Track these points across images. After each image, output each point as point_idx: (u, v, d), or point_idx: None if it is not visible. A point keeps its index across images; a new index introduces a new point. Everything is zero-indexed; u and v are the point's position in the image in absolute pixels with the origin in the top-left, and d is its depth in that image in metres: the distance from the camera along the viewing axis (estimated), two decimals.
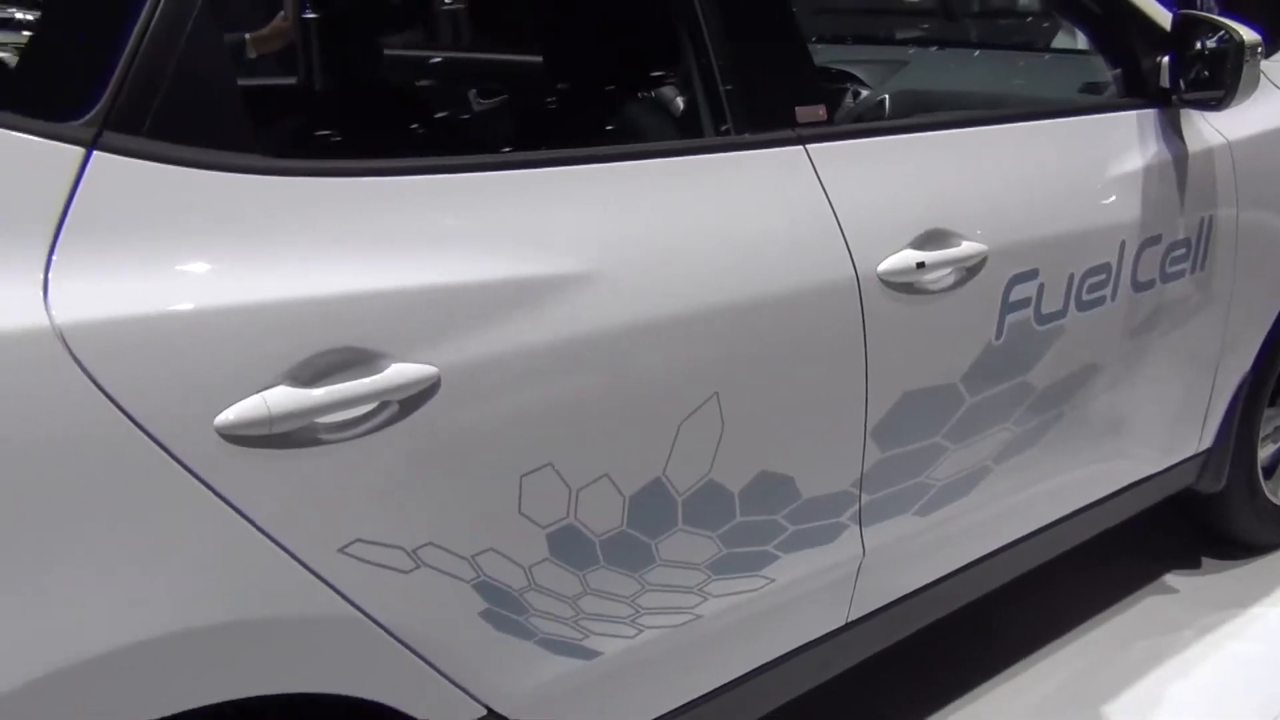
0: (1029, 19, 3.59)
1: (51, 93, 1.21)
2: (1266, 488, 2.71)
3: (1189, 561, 2.78)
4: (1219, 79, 2.07)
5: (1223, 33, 2.04)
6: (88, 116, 1.19)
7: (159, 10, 1.22)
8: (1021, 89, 2.62)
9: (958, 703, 2.31)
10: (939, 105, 2.52)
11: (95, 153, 1.18)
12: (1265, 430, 2.65)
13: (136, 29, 1.21)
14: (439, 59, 2.05)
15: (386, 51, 2.26)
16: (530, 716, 1.54)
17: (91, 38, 1.23)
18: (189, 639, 1.22)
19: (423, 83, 2.03)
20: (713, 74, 1.67)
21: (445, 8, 1.87)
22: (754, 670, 1.81)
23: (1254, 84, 2.09)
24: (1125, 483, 2.33)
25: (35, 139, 1.16)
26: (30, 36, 1.30)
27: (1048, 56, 2.74)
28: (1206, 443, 2.47)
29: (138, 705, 1.21)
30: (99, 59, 1.21)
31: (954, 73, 2.69)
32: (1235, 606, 2.61)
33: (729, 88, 1.66)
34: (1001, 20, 4.08)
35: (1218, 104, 2.08)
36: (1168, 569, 2.76)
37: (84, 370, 1.12)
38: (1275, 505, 2.75)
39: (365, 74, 2.23)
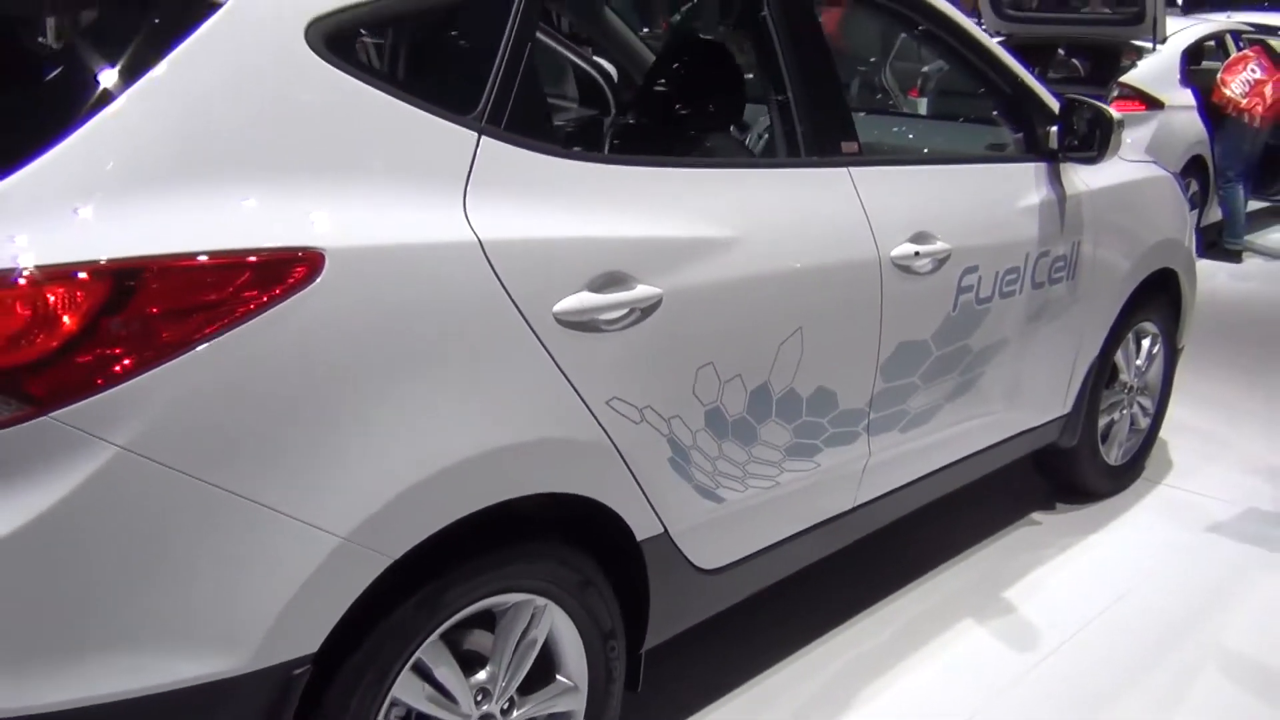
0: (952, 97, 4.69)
1: (459, 98, 1.90)
2: (1102, 450, 3.67)
3: (1048, 505, 3.73)
4: (1092, 143, 3.01)
5: (1098, 110, 2.99)
6: (475, 113, 1.89)
7: (504, 62, 1.94)
8: (946, 145, 3.55)
9: (883, 603, 3.14)
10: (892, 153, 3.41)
11: (482, 137, 1.89)
12: (1103, 405, 3.61)
13: (494, 73, 1.92)
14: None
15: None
16: (682, 539, 2.27)
17: (474, 75, 1.93)
18: (519, 448, 1.91)
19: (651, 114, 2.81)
20: (794, 122, 2.48)
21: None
22: (801, 531, 2.58)
23: (1119, 147, 3.05)
24: (1019, 429, 3.23)
25: (451, 124, 1.86)
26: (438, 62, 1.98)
27: (964, 123, 3.69)
28: (1068, 408, 3.41)
29: (470, 498, 1.86)
30: (479, 86, 1.91)
31: (895, 132, 3.60)
32: (1080, 534, 3.55)
33: (805, 129, 2.48)
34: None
35: (1094, 160, 3.03)
36: (1032, 509, 3.70)
37: (490, 264, 1.82)
38: (1107, 463, 3.72)
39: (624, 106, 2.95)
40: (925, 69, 6.93)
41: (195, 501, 1.58)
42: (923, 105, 6.38)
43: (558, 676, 2.16)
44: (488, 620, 2.04)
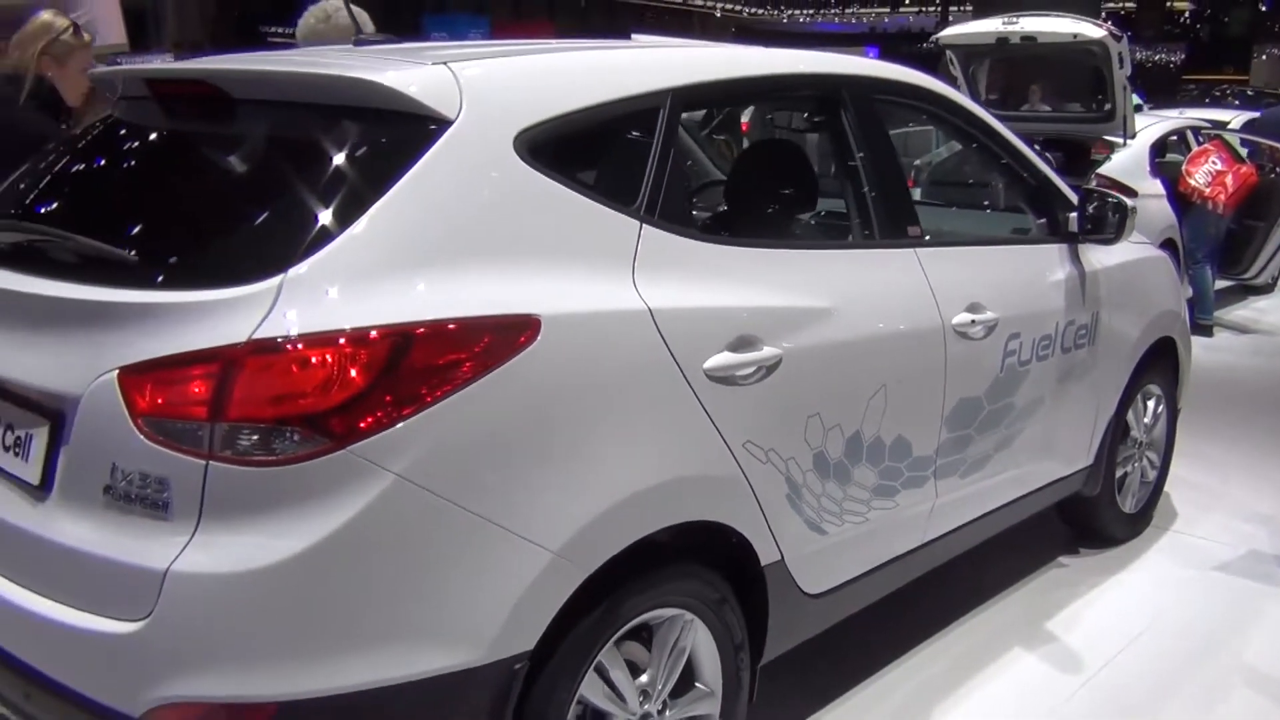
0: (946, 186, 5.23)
1: (624, 193, 2.31)
2: (1118, 499, 4.09)
3: (1072, 550, 4.13)
4: (1105, 226, 3.48)
5: (1115, 199, 3.46)
6: (635, 206, 2.31)
7: (655, 163, 2.36)
8: (984, 229, 4.05)
9: (936, 637, 3.50)
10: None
11: (643, 225, 2.30)
12: (1118, 458, 4.03)
13: (648, 173, 2.34)
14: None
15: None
16: (794, 565, 2.64)
17: (634, 174, 2.35)
18: (684, 480, 2.29)
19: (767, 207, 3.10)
20: (869, 210, 2.91)
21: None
22: (882, 564, 2.96)
23: (1133, 230, 3.53)
24: (1052, 478, 3.64)
25: (621, 215, 2.27)
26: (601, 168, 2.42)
27: (995, 211, 4.20)
28: (1091, 460, 3.82)
29: (646, 522, 2.24)
30: (638, 183, 2.34)
31: (938, 217, 4.09)
32: (1105, 574, 3.95)
33: (879, 216, 2.91)
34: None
35: (1112, 241, 3.50)
36: (1059, 554, 4.09)
37: (658, 329, 2.22)
38: (1123, 511, 4.13)
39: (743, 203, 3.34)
40: (917, 162, 7.49)
41: (449, 520, 1.95)
42: (916, 194, 6.90)
43: (696, 684, 2.51)
44: (638, 634, 2.39)
